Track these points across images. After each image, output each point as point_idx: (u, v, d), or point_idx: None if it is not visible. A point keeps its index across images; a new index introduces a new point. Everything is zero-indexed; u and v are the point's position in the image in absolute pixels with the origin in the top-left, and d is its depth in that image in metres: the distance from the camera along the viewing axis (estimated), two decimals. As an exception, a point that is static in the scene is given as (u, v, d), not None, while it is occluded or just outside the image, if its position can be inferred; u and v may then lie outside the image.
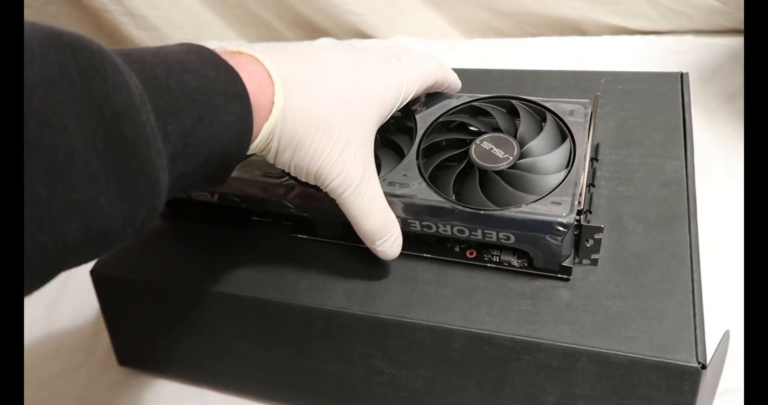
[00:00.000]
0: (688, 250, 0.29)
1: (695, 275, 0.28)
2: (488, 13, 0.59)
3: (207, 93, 0.21)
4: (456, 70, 0.46)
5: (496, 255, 0.31)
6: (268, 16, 0.66)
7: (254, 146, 0.24)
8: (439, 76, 0.32)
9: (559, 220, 0.27)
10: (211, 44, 0.68)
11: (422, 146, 0.32)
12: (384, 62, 0.28)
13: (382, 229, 0.28)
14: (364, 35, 0.62)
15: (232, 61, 0.23)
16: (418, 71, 0.30)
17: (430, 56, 0.32)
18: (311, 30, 0.65)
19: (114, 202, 0.18)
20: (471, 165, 0.31)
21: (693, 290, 0.28)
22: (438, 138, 0.33)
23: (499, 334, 0.28)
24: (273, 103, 0.23)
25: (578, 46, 0.54)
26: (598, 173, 0.34)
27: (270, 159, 0.26)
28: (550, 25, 0.57)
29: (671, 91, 0.38)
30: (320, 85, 0.25)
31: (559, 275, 0.29)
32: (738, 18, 0.49)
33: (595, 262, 0.30)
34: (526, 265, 0.30)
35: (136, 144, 0.18)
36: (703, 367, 0.25)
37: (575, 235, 0.29)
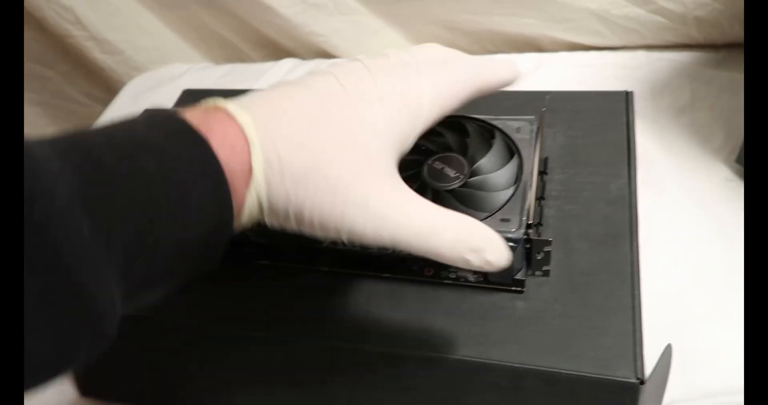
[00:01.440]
0: (630, 268, 0.30)
1: (636, 292, 0.29)
2: (449, 31, 0.60)
3: (168, 174, 0.19)
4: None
5: (453, 271, 0.32)
6: (233, 38, 0.66)
7: (245, 220, 0.22)
8: (481, 82, 0.27)
9: (508, 236, 0.28)
10: (177, 67, 0.68)
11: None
12: (396, 77, 0.24)
13: (465, 238, 0.22)
14: (327, 55, 0.63)
15: (203, 124, 0.20)
16: (447, 81, 0.25)
17: (466, 58, 0.28)
18: (276, 50, 0.65)
19: (42, 336, 0.15)
20: (424, 185, 0.32)
21: (633, 308, 0.29)
22: (390, 162, 0.34)
23: (450, 356, 0.29)
24: (251, 168, 0.21)
25: (535, 62, 0.55)
26: (546, 192, 0.35)
27: (280, 227, 0.22)
28: (509, 42, 0.58)
29: (617, 109, 0.39)
30: (307, 132, 0.22)
31: (514, 288, 0.30)
32: (685, 33, 0.50)
33: (546, 273, 0.31)
34: (482, 280, 0.31)
35: (62, 262, 0.15)
36: (642, 382, 0.26)
37: (526, 249, 0.30)
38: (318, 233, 0.22)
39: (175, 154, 0.19)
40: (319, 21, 0.60)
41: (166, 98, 0.51)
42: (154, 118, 0.21)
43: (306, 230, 0.22)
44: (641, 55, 0.52)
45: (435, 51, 0.28)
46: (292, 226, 0.22)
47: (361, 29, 0.61)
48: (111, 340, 0.17)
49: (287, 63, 0.63)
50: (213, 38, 0.67)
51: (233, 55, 0.68)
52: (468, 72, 0.26)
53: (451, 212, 0.23)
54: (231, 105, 0.22)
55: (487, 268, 0.23)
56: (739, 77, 0.47)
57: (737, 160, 0.41)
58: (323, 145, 0.22)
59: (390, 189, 0.23)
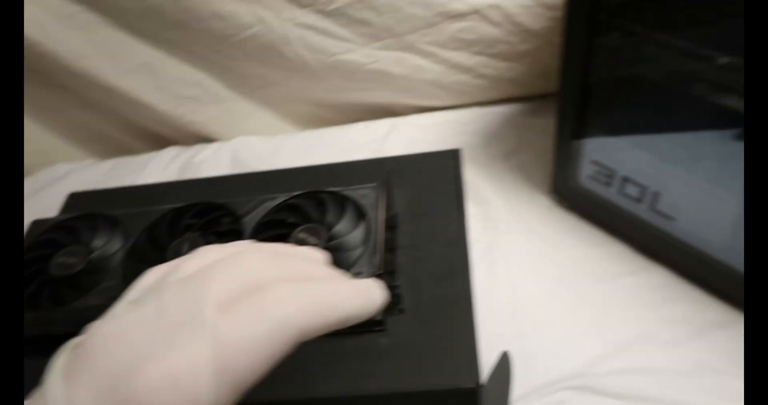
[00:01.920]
0: (467, 295, 0.38)
1: (472, 316, 0.36)
2: (314, 106, 0.68)
3: None
4: (284, 169, 0.53)
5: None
6: (114, 133, 0.70)
7: None
8: (316, 323, 0.21)
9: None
10: (61, 167, 0.71)
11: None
12: (167, 347, 0.19)
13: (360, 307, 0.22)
14: (207, 139, 0.68)
15: None
16: (250, 336, 0.19)
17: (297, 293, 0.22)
18: (158, 140, 0.70)
19: None
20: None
21: (471, 328, 0.36)
22: (262, 236, 0.40)
23: (332, 395, 0.34)
24: None
25: (391, 125, 0.64)
26: (398, 243, 0.42)
27: None
28: (367, 110, 0.66)
29: (448, 166, 0.47)
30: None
31: (377, 329, 0.37)
32: (504, 90, 0.61)
33: (402, 311, 0.37)
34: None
35: None
36: (479, 386, 0.33)
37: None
38: None
39: None
40: (195, 111, 0.66)
41: (52, 201, 0.54)
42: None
43: None
44: (474, 111, 0.62)
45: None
46: None
47: (234, 113, 0.67)
48: None
49: (170, 151, 0.67)
50: (95, 135, 0.71)
51: (117, 149, 0.72)
52: (291, 320, 0.20)
53: None
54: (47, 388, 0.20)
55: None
56: (550, 123, 0.58)
57: (550, 191, 0.51)
58: None
59: None
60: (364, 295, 0.23)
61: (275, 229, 0.40)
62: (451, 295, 0.38)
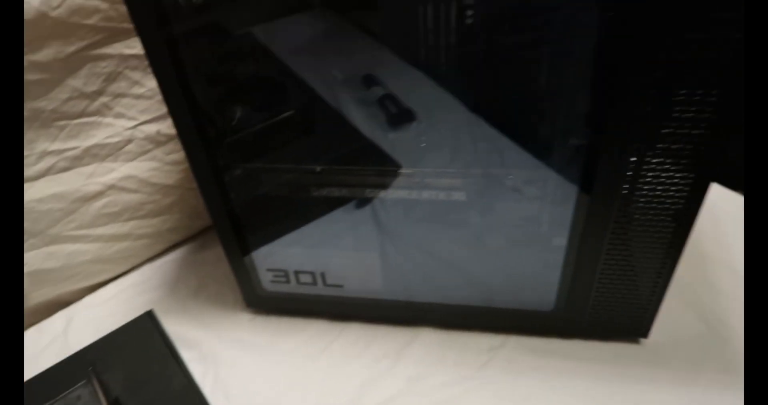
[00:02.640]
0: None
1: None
2: None
3: None
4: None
5: None
6: None
7: None
8: None
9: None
10: None
11: None
12: None
13: None
14: None
15: None
16: None
17: None
18: None
19: None
20: None
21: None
22: None
23: None
24: None
25: (67, 317, 0.61)
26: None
27: None
28: (32, 313, 0.63)
29: (148, 328, 0.50)
30: None
31: None
32: (167, 240, 0.66)
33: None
34: None
35: None
36: None
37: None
38: None
39: None
40: None
41: None
42: None
43: None
44: (147, 268, 0.66)
45: None
46: None
47: None
48: None
49: None
50: None
51: None
52: None
53: None
54: None
55: None
56: (219, 250, 0.66)
57: (246, 306, 0.58)
58: None
59: None
60: None
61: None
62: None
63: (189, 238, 0.68)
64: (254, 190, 0.53)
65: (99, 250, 0.60)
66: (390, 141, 0.57)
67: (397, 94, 0.57)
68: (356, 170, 0.54)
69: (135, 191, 0.59)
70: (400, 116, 0.58)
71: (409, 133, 0.58)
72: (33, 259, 0.56)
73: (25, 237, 0.55)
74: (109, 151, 0.55)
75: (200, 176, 0.48)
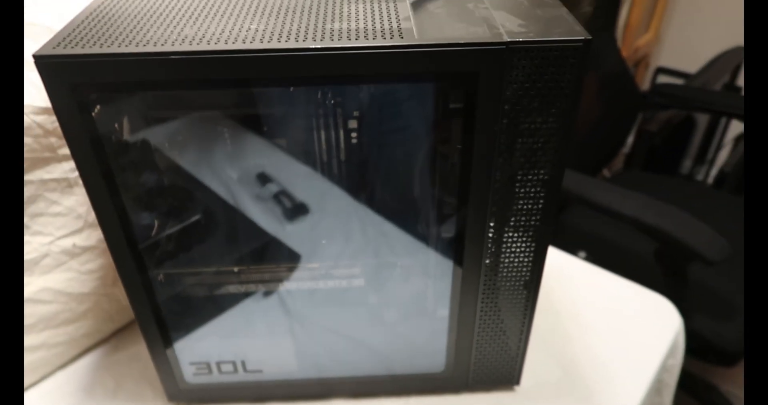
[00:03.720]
0: None
1: None
2: None
3: None
4: None
5: None
6: None
7: None
8: None
9: None
10: None
11: None
12: None
13: None
14: None
15: None
16: None
17: None
18: None
19: None
20: None
21: None
22: None
23: None
24: None
25: None
26: None
27: None
28: None
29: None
30: None
31: None
32: (80, 345, 0.68)
33: None
34: None
35: None
36: None
37: None
38: None
39: None
40: None
41: None
42: None
43: None
44: (59, 376, 0.67)
45: None
46: None
47: None
48: None
49: None
50: None
51: None
52: None
53: None
54: None
55: None
56: (133, 350, 0.69)
57: (169, 401, 0.62)
58: None
59: None
60: None
61: None
62: None
63: (101, 342, 0.70)
64: (175, 289, 0.59)
65: (12, 364, 0.61)
66: (288, 233, 0.66)
67: (289, 190, 0.67)
68: (269, 268, 0.62)
69: (50, 302, 0.61)
70: (294, 210, 0.68)
71: (305, 225, 0.68)
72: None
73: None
74: (26, 266, 0.58)
75: (126, 279, 0.52)
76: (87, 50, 0.40)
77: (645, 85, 2.08)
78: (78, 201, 0.60)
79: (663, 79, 1.98)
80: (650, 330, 0.72)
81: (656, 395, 0.72)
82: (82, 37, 0.41)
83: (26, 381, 0.64)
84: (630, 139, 1.64)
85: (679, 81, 1.85)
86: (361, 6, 0.47)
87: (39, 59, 0.39)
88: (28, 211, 0.57)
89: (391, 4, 0.47)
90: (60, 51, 0.40)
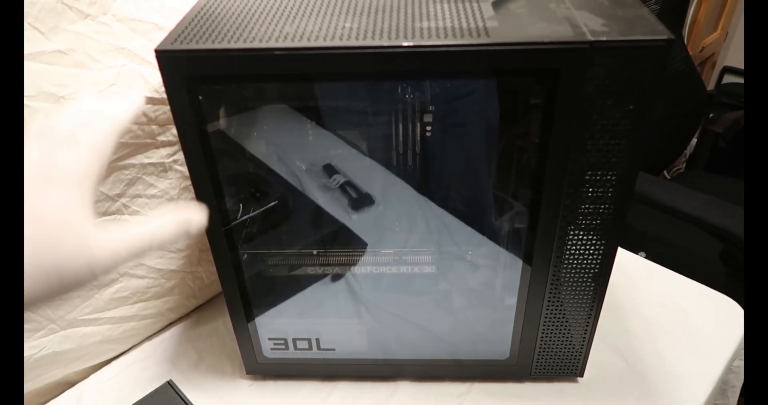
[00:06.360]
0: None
1: None
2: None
3: None
4: None
5: None
6: None
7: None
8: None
9: None
10: None
11: None
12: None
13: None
14: None
15: None
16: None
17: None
18: None
19: None
20: None
21: None
22: None
23: None
24: None
25: (74, 396, 0.67)
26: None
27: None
28: (40, 393, 0.68)
29: (169, 397, 0.57)
30: None
31: None
32: (166, 318, 0.73)
33: None
34: None
35: None
36: None
37: None
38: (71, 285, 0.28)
39: None
40: None
41: None
42: None
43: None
44: (147, 345, 0.72)
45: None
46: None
47: None
48: None
49: None
50: None
51: None
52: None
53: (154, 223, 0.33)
54: None
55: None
56: (213, 325, 0.74)
57: (247, 373, 0.67)
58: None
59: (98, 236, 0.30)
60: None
61: None
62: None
63: (184, 316, 0.76)
64: (258, 268, 0.63)
65: (108, 332, 0.67)
66: (354, 223, 0.69)
67: (355, 181, 0.70)
68: (344, 252, 0.65)
69: (143, 277, 0.67)
70: (360, 200, 0.71)
71: (371, 214, 0.71)
72: (50, 342, 0.62)
73: (45, 322, 0.62)
74: (124, 243, 0.64)
75: (218, 256, 0.56)
76: (201, 46, 0.44)
77: (711, 84, 2.02)
78: (171, 184, 0.65)
79: (729, 78, 1.92)
80: (716, 330, 0.72)
81: (721, 396, 0.72)
82: (195, 34, 0.45)
83: (119, 349, 0.70)
84: (693, 140, 1.61)
85: (747, 81, 1.79)
86: (446, 6, 0.49)
87: (161, 53, 0.43)
88: (129, 191, 0.62)
89: (475, 4, 0.50)
90: (177, 46, 0.44)
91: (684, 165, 1.78)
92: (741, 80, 1.85)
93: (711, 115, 1.54)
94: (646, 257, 0.87)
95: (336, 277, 0.67)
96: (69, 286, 0.28)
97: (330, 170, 0.71)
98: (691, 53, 1.70)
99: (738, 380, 0.74)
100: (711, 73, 2.04)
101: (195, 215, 0.36)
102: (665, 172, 1.81)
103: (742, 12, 1.94)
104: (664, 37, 0.43)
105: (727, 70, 1.95)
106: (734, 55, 2.01)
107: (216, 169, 0.51)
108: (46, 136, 0.31)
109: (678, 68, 1.37)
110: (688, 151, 1.68)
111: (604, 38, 0.43)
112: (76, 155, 0.30)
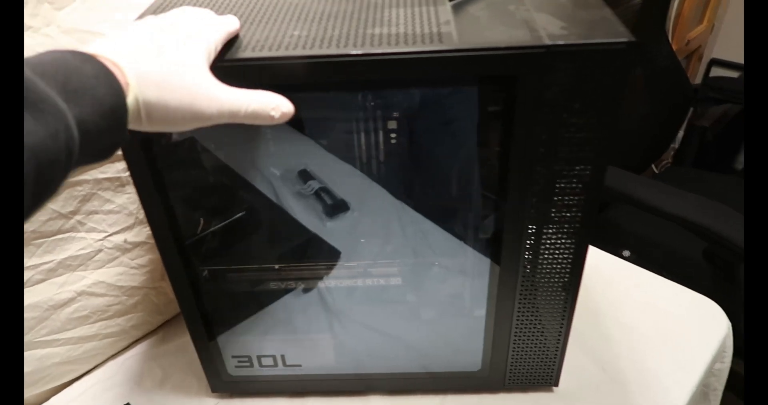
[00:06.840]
0: None
1: None
2: None
3: (82, 65, 0.30)
4: None
5: None
6: None
7: (131, 119, 0.32)
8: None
9: None
10: None
11: None
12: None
13: (267, 102, 0.38)
14: None
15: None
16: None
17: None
18: None
19: (37, 122, 0.25)
20: None
21: None
22: None
23: None
24: (128, 81, 0.33)
25: None
26: None
27: (148, 122, 0.34)
28: None
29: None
30: (157, 56, 0.35)
31: None
32: (130, 336, 0.71)
33: None
34: None
35: (37, 92, 0.26)
36: None
37: None
38: (176, 123, 0.35)
39: (81, 61, 0.31)
40: None
41: None
42: (70, 53, 0.31)
43: (168, 125, 0.35)
44: (110, 365, 0.70)
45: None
46: (157, 124, 0.34)
47: None
48: (77, 145, 0.27)
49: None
50: None
51: None
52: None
53: (252, 92, 0.38)
54: (101, 47, 0.34)
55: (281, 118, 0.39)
56: (179, 342, 0.72)
57: (212, 391, 0.64)
58: (172, 61, 0.35)
59: (216, 83, 0.37)
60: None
61: None
62: None
63: (150, 333, 0.73)
64: (218, 285, 0.61)
65: (67, 352, 0.65)
66: (328, 231, 0.67)
67: (330, 187, 0.68)
68: (308, 265, 0.63)
69: (103, 295, 0.64)
70: (335, 207, 0.69)
71: (345, 223, 0.69)
72: (6, 366, 0.60)
73: None
74: (80, 261, 0.61)
75: (172, 274, 0.54)
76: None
77: (698, 77, 2.01)
78: (129, 199, 0.63)
79: (717, 71, 1.90)
80: (696, 333, 0.71)
81: (703, 400, 0.70)
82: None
83: (80, 369, 0.68)
84: (680, 134, 1.59)
85: (734, 73, 1.77)
86: (401, 11, 0.47)
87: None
88: (84, 208, 0.60)
89: (432, 8, 0.47)
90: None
91: (671, 159, 1.76)
92: (729, 72, 1.83)
93: (698, 109, 1.52)
94: (629, 256, 0.85)
95: (304, 291, 0.65)
96: (198, 113, 0.36)
97: (305, 176, 0.69)
98: (677, 46, 1.68)
99: (719, 383, 0.72)
100: (698, 65, 2.02)
101: (284, 103, 0.39)
102: (653, 167, 1.79)
103: (728, 4, 1.92)
104: (625, 39, 0.41)
105: (715, 62, 1.93)
106: (721, 48, 1.99)
107: (164, 184, 0.48)
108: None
109: (662, 64, 1.35)
110: (675, 145, 1.66)
111: (562, 42, 0.41)
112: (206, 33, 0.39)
